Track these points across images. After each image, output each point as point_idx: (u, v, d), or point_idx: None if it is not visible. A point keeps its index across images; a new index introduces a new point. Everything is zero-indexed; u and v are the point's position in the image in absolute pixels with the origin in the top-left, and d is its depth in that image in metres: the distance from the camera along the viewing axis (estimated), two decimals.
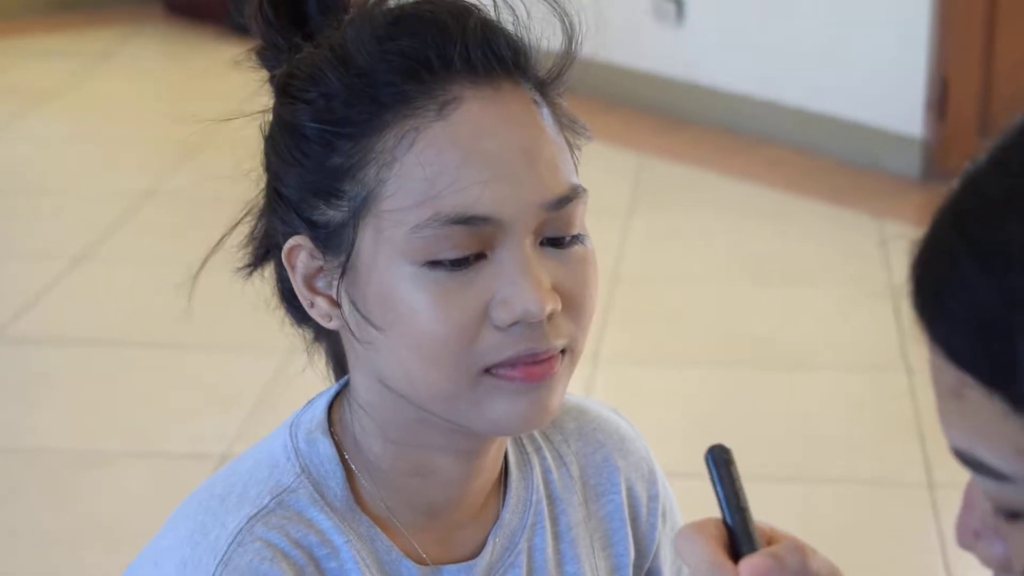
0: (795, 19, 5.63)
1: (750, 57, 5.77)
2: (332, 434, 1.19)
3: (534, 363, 1.12)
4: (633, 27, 5.91)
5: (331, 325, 1.17)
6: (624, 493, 1.32)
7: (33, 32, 7.03)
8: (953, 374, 0.71)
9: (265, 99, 1.21)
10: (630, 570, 1.31)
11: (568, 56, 1.19)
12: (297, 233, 1.15)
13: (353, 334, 1.15)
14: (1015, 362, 0.68)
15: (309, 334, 1.23)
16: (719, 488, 1.05)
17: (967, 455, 0.73)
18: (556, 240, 1.14)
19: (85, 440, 3.67)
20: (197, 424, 3.71)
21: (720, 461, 1.05)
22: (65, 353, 4.15)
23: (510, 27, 1.16)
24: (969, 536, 0.77)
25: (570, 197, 1.14)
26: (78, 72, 6.59)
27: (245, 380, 3.89)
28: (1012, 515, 0.73)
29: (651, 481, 1.34)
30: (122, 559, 1.23)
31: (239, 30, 1.23)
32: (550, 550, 1.26)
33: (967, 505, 0.77)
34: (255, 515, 1.15)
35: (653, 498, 1.33)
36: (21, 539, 3.29)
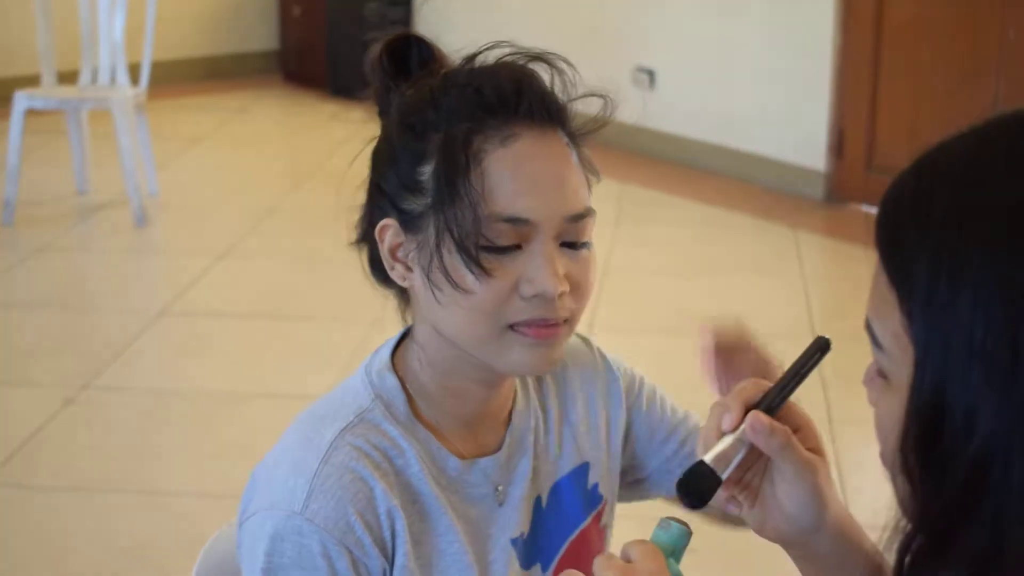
0: (734, 86, 5.62)
1: (702, 113, 5.75)
2: (395, 370, 1.21)
3: (544, 326, 1.13)
4: (617, 91, 5.88)
5: (404, 284, 1.18)
6: (581, 402, 1.31)
7: (190, 94, 7.03)
8: (882, 278, 0.80)
9: (359, 138, 1.21)
10: (593, 454, 1.30)
11: (598, 121, 1.20)
12: (388, 216, 1.16)
13: (419, 292, 1.16)
14: (911, 277, 0.76)
15: (388, 291, 1.22)
16: (795, 362, 0.96)
17: (869, 326, 0.81)
18: (571, 244, 1.15)
19: (226, 384, 3.68)
20: (306, 374, 3.71)
21: (814, 347, 0.97)
22: (212, 322, 4.15)
23: (558, 90, 1.16)
24: (867, 381, 0.84)
25: (584, 214, 1.15)
26: (221, 122, 6.59)
27: (340, 343, 3.88)
28: (881, 374, 0.82)
29: (609, 393, 1.32)
30: (250, 470, 1.23)
31: (336, 93, 1.24)
32: (544, 440, 1.27)
33: (871, 366, 0.84)
34: (345, 428, 1.17)
35: (611, 395, 1.32)
36: (181, 455, 3.31)
